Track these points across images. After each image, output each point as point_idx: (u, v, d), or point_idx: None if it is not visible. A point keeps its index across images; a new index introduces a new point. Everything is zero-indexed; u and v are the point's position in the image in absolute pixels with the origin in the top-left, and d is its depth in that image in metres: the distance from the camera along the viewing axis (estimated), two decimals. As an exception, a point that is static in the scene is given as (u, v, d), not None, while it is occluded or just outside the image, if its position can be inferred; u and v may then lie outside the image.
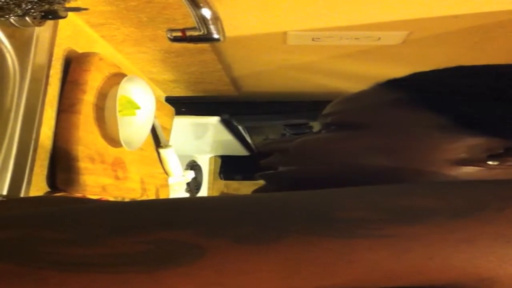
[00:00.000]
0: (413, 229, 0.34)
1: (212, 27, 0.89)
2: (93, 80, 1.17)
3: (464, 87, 0.53)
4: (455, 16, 1.14)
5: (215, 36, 0.91)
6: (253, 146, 2.60)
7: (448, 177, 0.50)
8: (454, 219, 0.35)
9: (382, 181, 0.50)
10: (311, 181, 0.57)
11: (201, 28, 0.89)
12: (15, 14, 0.85)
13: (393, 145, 0.53)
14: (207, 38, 0.91)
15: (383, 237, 0.34)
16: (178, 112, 1.87)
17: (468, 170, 0.50)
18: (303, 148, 0.61)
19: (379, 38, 1.30)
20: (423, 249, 0.34)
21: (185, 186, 1.89)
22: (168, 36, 0.97)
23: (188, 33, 0.93)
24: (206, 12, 0.86)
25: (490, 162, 0.50)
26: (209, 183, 3.02)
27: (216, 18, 0.88)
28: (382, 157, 0.53)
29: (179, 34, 0.95)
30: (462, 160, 0.50)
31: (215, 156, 3.14)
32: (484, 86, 0.52)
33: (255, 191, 0.66)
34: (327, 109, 0.63)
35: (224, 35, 0.92)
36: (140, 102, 1.36)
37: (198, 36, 0.92)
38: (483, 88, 0.52)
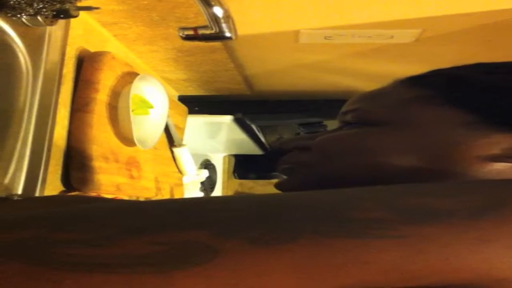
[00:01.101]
0: (427, 230, 0.34)
1: (224, 26, 0.89)
2: (106, 79, 1.18)
3: (488, 83, 0.53)
4: (468, 14, 1.13)
5: (227, 34, 0.90)
6: (266, 145, 2.60)
7: (478, 174, 0.49)
8: (469, 219, 0.35)
9: (408, 179, 0.50)
10: (334, 179, 0.57)
11: (213, 27, 0.89)
12: (27, 13, 0.86)
13: (419, 142, 0.53)
14: (219, 36, 0.91)
15: (397, 237, 0.34)
16: (191, 111, 1.87)
17: (499, 167, 0.50)
18: (326, 145, 0.60)
19: (392, 36, 1.29)
20: (438, 249, 0.34)
21: (199, 185, 1.90)
22: (180, 34, 0.97)
23: (200, 32, 0.93)
24: (217, 11, 0.86)
25: None
26: (223, 182, 3.02)
27: (227, 17, 0.88)
28: (409, 155, 0.52)
29: (191, 32, 0.95)
30: (493, 156, 0.50)
31: (229, 155, 3.14)
32: (508, 82, 0.52)
33: (276, 185, 0.65)
34: (346, 107, 0.63)
35: (236, 34, 0.92)
36: (153, 101, 1.36)
37: (210, 34, 0.91)
38: (508, 84, 0.52)
